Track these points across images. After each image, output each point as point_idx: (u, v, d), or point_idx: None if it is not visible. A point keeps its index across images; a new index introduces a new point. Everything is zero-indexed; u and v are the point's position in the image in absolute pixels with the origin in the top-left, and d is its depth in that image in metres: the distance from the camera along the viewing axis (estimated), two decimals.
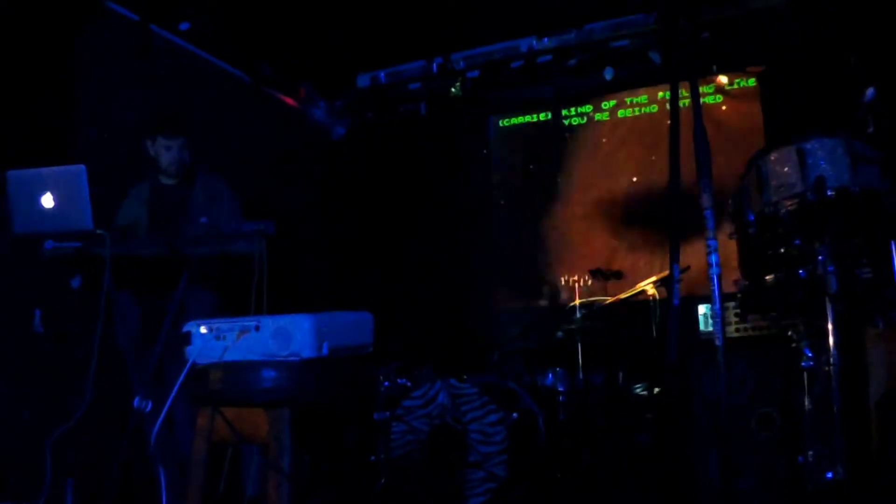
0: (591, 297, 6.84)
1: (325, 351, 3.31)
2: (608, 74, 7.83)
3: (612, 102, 8.59)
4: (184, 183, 5.19)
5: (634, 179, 8.30)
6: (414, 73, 8.57)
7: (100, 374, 3.87)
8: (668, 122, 7.99)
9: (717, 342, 3.78)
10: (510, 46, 8.06)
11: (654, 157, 8.24)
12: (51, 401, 4.99)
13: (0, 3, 5.32)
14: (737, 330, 5.12)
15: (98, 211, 3.91)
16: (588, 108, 8.74)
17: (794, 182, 3.73)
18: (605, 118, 8.63)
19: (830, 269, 3.61)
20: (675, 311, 4.32)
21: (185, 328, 3.51)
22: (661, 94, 8.33)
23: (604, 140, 8.59)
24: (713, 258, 3.80)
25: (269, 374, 3.29)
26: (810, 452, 3.93)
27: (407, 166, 8.94)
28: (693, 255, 5.08)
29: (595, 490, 5.92)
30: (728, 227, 4.24)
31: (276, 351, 3.29)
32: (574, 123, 8.77)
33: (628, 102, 8.52)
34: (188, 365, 3.40)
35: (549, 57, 7.97)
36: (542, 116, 8.96)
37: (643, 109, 8.43)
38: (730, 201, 4.20)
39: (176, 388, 3.37)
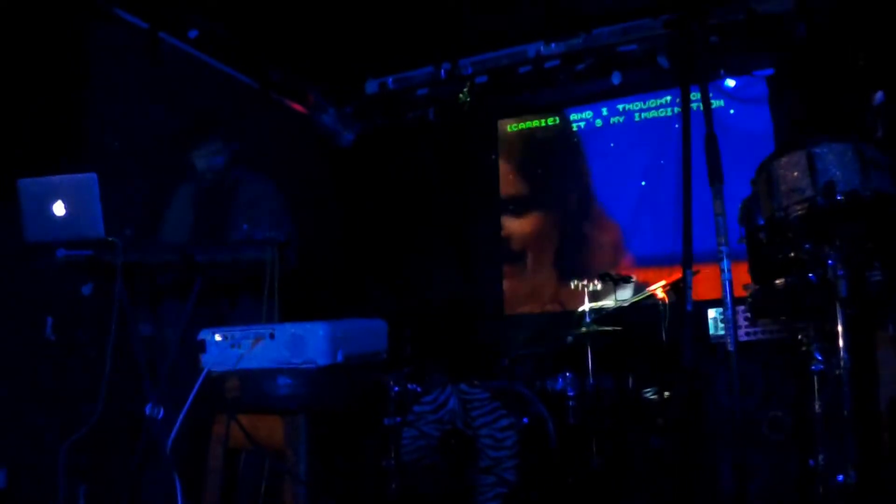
0: (600, 301, 6.85)
1: (339, 358, 3.33)
2: (616, 79, 7.84)
3: (621, 107, 8.59)
4: (228, 185, 5.17)
5: (643, 184, 8.31)
6: (422, 78, 8.57)
7: (112, 380, 3.88)
8: (678, 126, 8.08)
9: (730, 348, 3.79)
10: (518, 51, 8.07)
11: (662, 162, 8.25)
12: (63, 408, 5.01)
13: (8, 12, 5.34)
14: (747, 334, 5.13)
15: (111, 216, 3.92)
16: (596, 112, 8.75)
17: (803, 186, 3.72)
18: (613, 122, 8.63)
19: (841, 273, 3.60)
20: (689, 317, 4.32)
21: (200, 336, 3.52)
22: (668, 97, 8.33)
23: (612, 144, 8.59)
24: (725, 264, 3.81)
25: (284, 381, 3.31)
26: (821, 456, 3.93)
27: (416, 172, 8.94)
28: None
29: (606, 495, 5.93)
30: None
31: (291, 358, 3.30)
32: (582, 128, 8.78)
33: (636, 107, 8.52)
34: (203, 373, 3.42)
35: (556, 62, 7.97)
36: (550, 121, 8.97)
37: (651, 114, 8.44)
38: (740, 206, 4.20)
39: (192, 396, 3.39)
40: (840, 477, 3.64)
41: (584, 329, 6.36)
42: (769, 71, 7.75)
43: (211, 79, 7.32)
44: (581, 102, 8.76)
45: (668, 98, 8.33)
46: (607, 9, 7.49)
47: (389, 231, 8.77)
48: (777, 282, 3.92)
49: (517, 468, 5.03)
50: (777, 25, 6.96)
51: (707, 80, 4.83)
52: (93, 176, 3.89)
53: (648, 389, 6.33)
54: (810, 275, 3.71)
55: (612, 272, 6.84)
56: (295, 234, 4.81)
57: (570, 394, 6.09)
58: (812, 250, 3.73)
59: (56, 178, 3.95)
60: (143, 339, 4.73)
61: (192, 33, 6.86)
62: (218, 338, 3.47)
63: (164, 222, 5.14)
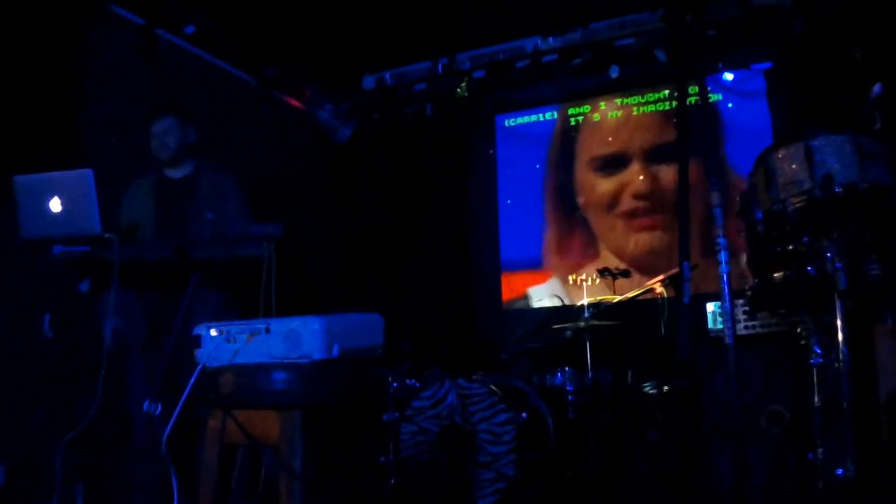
0: (599, 295, 6.84)
1: (335, 353, 3.32)
2: (614, 73, 7.83)
3: (619, 101, 8.57)
4: (189, 176, 5.19)
5: (641, 178, 8.29)
6: (419, 73, 8.58)
7: (109, 377, 3.88)
8: (675, 119, 8.09)
9: (728, 341, 3.78)
10: (516, 46, 8.08)
11: (661, 157, 8.24)
12: (60, 405, 5.00)
13: (3, 9, 5.33)
14: (746, 327, 5.11)
15: (105, 213, 3.91)
16: (594, 106, 8.73)
17: (802, 179, 3.71)
18: (611, 116, 8.62)
19: (839, 265, 3.59)
20: (686, 310, 4.31)
21: (196, 331, 3.51)
22: (666, 91, 8.31)
23: (610, 139, 8.57)
24: (722, 256, 3.79)
25: (280, 376, 3.30)
26: (820, 449, 3.92)
27: (413, 167, 8.93)
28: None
29: (605, 489, 5.92)
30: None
31: (286, 353, 3.29)
32: (581, 122, 8.76)
33: (634, 101, 8.50)
34: (199, 368, 3.41)
35: (554, 56, 7.99)
36: (548, 115, 8.96)
37: (649, 108, 8.42)
38: (738, 199, 4.19)
39: (187, 391, 3.38)
40: (839, 471, 3.63)
41: (582, 324, 6.35)
42: (767, 65, 7.74)
43: (207, 75, 7.30)
44: (579, 96, 8.75)
45: (666, 92, 8.32)
46: (605, 3, 7.50)
47: (387, 226, 8.76)
48: (775, 275, 3.91)
49: (516, 463, 5.02)
50: (775, 19, 6.96)
51: (705, 74, 4.82)
52: (88, 172, 3.89)
53: (647, 384, 6.32)
54: (809, 268, 3.70)
55: (611, 266, 6.84)
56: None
57: (569, 389, 6.08)
58: (810, 243, 3.72)
59: (52, 175, 3.95)
60: (138, 335, 4.75)
61: (189, 29, 6.85)
62: (213, 333, 3.46)
63: (122, 209, 5.14)
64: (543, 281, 8.79)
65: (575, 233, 8.71)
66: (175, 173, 5.19)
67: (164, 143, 5.11)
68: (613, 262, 7.73)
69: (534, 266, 8.88)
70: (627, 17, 7.60)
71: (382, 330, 3.80)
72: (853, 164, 3.63)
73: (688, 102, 6.37)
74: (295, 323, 3.33)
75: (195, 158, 5.24)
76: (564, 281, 8.62)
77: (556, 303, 8.37)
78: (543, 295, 8.76)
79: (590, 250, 8.60)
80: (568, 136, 8.84)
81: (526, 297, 8.85)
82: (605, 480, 5.98)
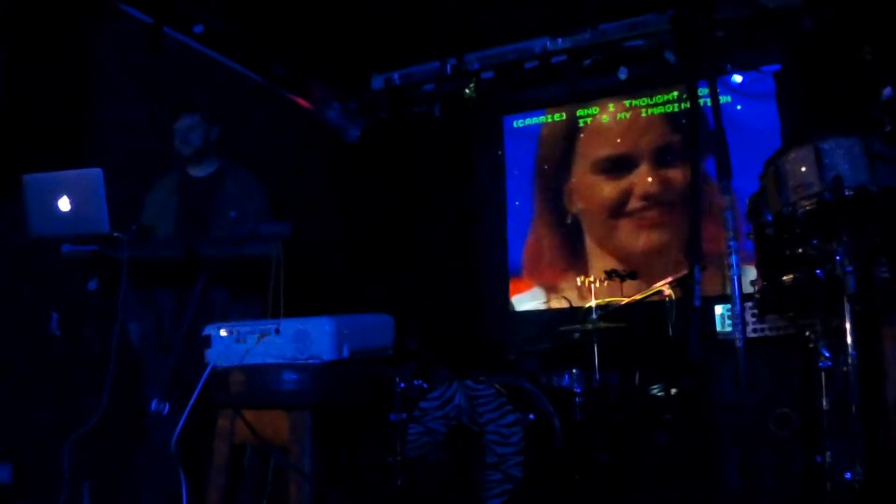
0: (606, 297, 6.82)
1: (345, 353, 3.32)
2: (623, 74, 7.82)
3: (627, 102, 8.56)
4: (213, 175, 5.15)
5: (650, 180, 8.29)
6: (428, 74, 8.57)
7: (117, 376, 3.88)
8: (685, 121, 8.07)
9: (738, 343, 3.77)
10: (524, 47, 8.07)
11: (669, 157, 8.23)
12: (68, 404, 5.00)
13: (14, 8, 5.33)
14: (754, 330, 5.11)
15: (116, 212, 3.91)
16: (603, 108, 8.72)
17: (811, 181, 3.71)
18: (620, 118, 8.61)
19: (848, 268, 3.58)
20: (696, 312, 4.30)
21: (205, 331, 3.51)
22: (675, 93, 8.30)
23: (619, 140, 8.57)
24: (733, 259, 3.78)
25: (290, 376, 3.31)
26: (828, 452, 3.92)
27: (421, 167, 8.92)
28: None
29: (612, 491, 5.91)
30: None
31: (296, 353, 3.30)
32: (589, 123, 8.76)
33: (643, 102, 8.50)
34: (208, 368, 3.42)
35: (563, 57, 7.97)
36: (556, 117, 8.95)
37: (658, 109, 8.41)
38: (747, 202, 4.19)
39: (197, 391, 3.38)
40: (848, 474, 3.62)
41: (590, 325, 6.34)
42: (776, 66, 7.73)
43: (216, 75, 7.30)
44: (588, 98, 8.74)
45: (675, 94, 8.31)
46: (614, 4, 7.49)
47: (395, 226, 8.75)
48: (784, 277, 3.90)
49: (523, 464, 5.01)
50: (784, 20, 6.94)
51: (714, 76, 4.81)
52: (98, 171, 3.89)
53: (655, 386, 6.31)
54: (818, 270, 3.69)
55: (619, 268, 6.83)
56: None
57: (577, 390, 6.08)
58: (819, 246, 3.71)
59: (61, 174, 3.96)
60: (148, 334, 4.75)
61: (198, 28, 6.85)
62: (223, 333, 3.47)
63: (145, 207, 5.12)
64: (527, 288, 8.86)
65: (561, 239, 8.74)
66: (199, 172, 5.13)
67: (188, 140, 5.06)
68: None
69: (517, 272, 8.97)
70: (636, 19, 7.59)
71: (392, 330, 3.81)
72: (863, 166, 3.63)
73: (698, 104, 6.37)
74: (305, 324, 3.33)
75: (220, 157, 5.21)
76: (545, 287, 8.68)
77: (559, 304, 8.38)
78: (525, 299, 8.82)
79: (577, 258, 8.63)
80: (570, 139, 8.85)
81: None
82: (613, 482, 5.96)
